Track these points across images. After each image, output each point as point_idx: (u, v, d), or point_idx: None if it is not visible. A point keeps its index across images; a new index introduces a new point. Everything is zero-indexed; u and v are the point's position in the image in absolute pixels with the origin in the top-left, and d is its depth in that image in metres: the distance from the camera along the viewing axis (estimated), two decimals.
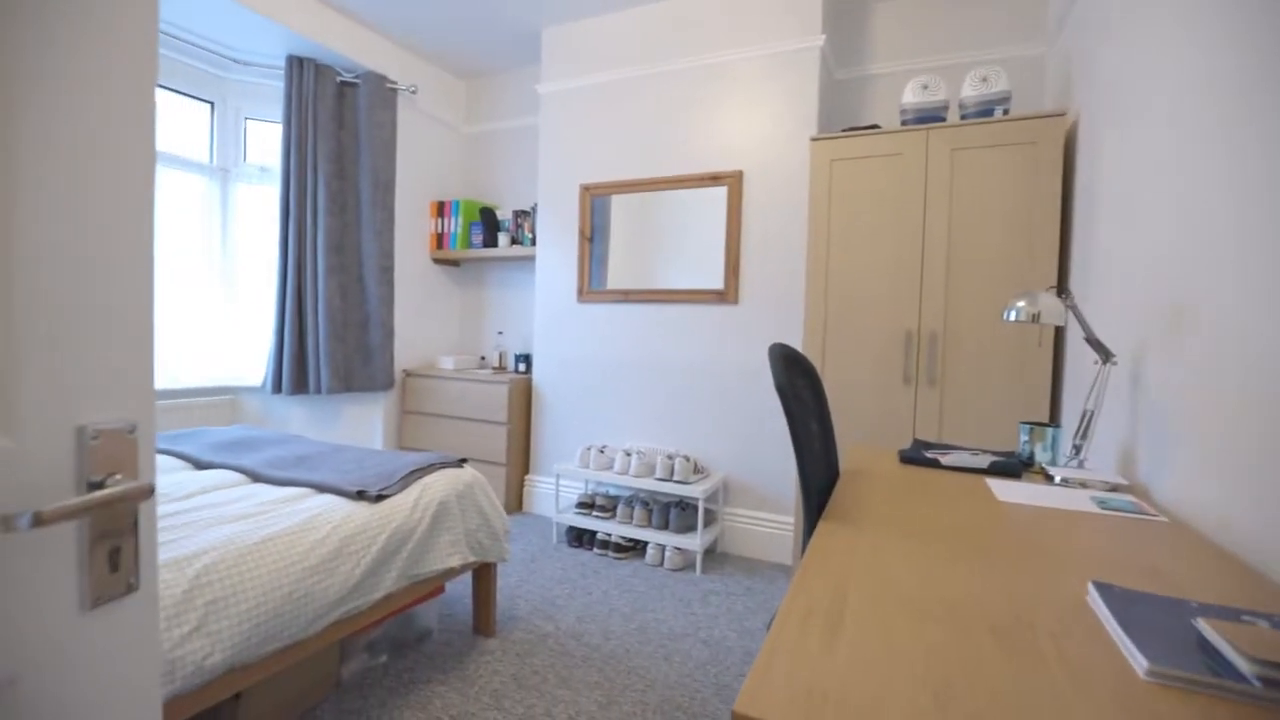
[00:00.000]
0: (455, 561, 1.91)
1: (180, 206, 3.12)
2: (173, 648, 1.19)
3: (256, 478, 1.89)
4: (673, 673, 1.94)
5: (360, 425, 3.60)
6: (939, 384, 2.36)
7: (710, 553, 2.96)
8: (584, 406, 3.32)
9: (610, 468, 2.98)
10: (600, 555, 2.87)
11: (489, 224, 3.69)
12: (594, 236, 3.27)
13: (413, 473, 1.92)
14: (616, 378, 3.23)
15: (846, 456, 1.65)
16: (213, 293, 3.26)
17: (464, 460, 2.13)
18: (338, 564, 1.54)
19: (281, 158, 3.19)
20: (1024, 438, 1.58)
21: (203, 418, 3.09)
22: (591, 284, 3.28)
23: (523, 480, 3.50)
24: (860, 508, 1.17)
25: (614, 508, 2.98)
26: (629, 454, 2.94)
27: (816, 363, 2.54)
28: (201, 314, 3.22)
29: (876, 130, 2.47)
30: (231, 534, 1.42)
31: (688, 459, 2.82)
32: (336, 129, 3.32)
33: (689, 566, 2.78)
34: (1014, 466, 1.47)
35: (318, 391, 3.29)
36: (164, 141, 3.05)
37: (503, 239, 3.64)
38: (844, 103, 3.06)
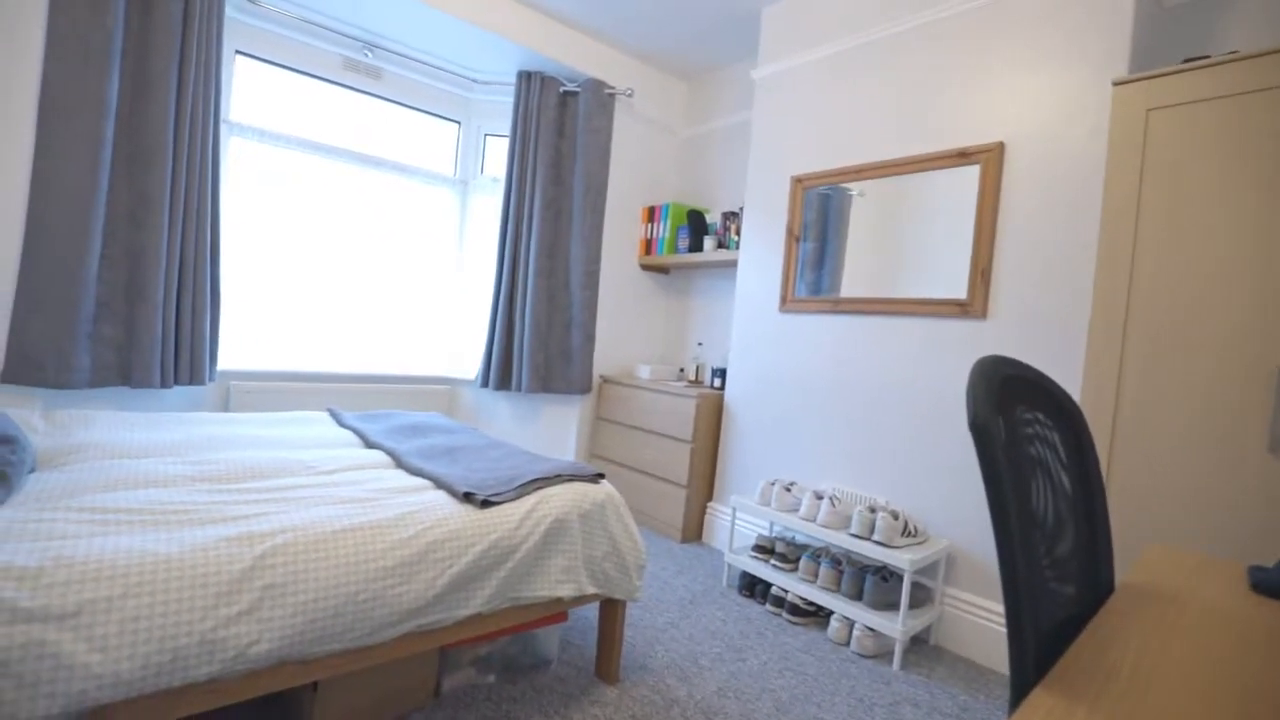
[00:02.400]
0: (567, 591, 1.66)
1: (428, 216, 3.50)
2: (215, 627, 1.13)
3: (399, 463, 1.89)
4: None
5: (556, 427, 3.64)
6: None
7: (918, 643, 2.25)
8: (775, 432, 2.84)
9: (795, 510, 2.47)
10: (772, 614, 2.38)
11: (696, 227, 3.46)
12: (804, 236, 2.80)
13: (534, 481, 1.73)
14: (816, 403, 2.69)
15: (1134, 564, 0.98)
16: (448, 293, 3.60)
17: (600, 475, 1.88)
18: (418, 570, 1.39)
19: (506, 167, 3.38)
20: None
21: (422, 404, 3.40)
22: (796, 291, 2.81)
23: (705, 507, 3.15)
24: (1142, 672, 0.60)
25: (797, 559, 2.45)
26: (820, 497, 2.39)
27: (1103, 411, 1.72)
28: (436, 312, 3.56)
29: (1233, 57, 1.59)
30: (319, 518, 1.36)
31: (895, 515, 2.17)
32: (556, 138, 3.42)
33: (883, 655, 2.13)
34: None
35: (518, 389, 3.40)
36: (417, 158, 3.46)
37: (708, 243, 3.37)
38: (1174, 39, 2.11)
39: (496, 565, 1.52)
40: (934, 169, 2.37)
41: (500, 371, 3.41)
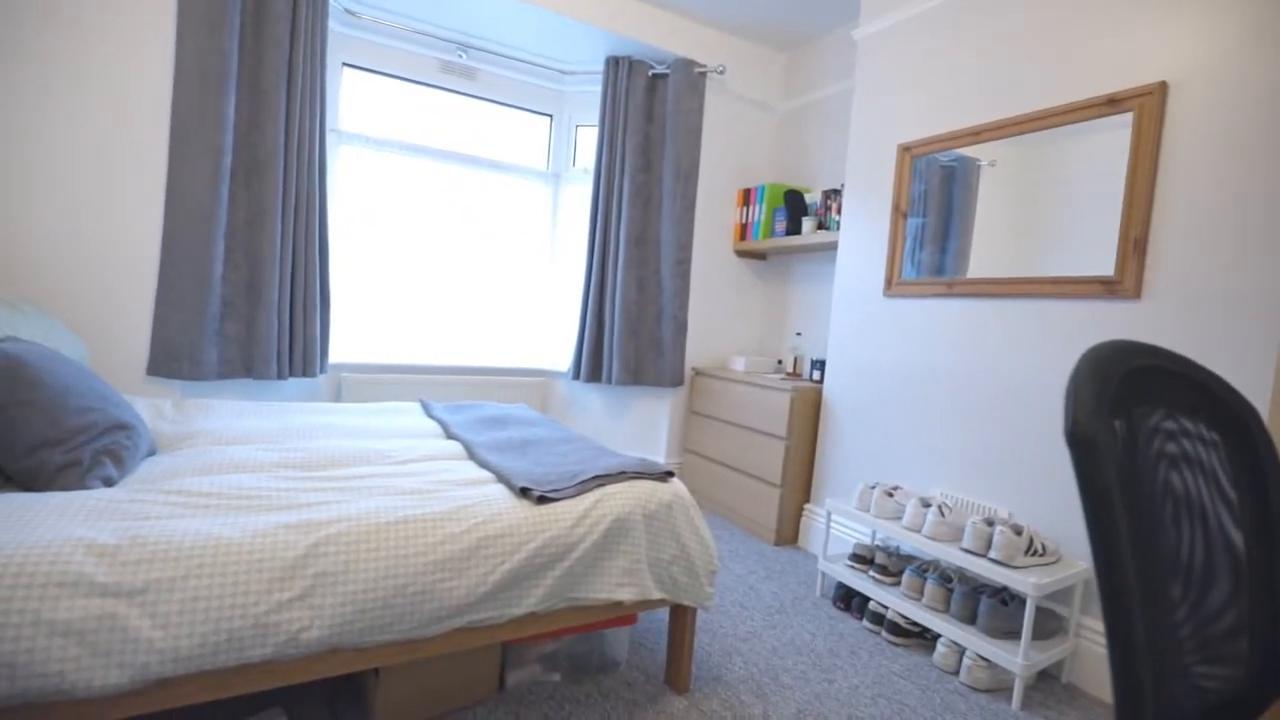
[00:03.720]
0: (628, 595, 1.57)
1: (522, 210, 3.55)
2: (268, 611, 1.16)
3: (471, 455, 1.90)
4: None
5: (647, 420, 3.57)
6: None
7: (1047, 680, 1.92)
8: (878, 429, 2.58)
9: (898, 518, 2.21)
10: (870, 631, 2.15)
11: (793, 208, 3.23)
12: (913, 211, 2.50)
13: (596, 478, 1.66)
14: (925, 398, 2.40)
15: None
16: (543, 286, 3.64)
17: (669, 473, 1.78)
18: (468, 565, 1.36)
19: (595, 157, 3.34)
20: None
21: (518, 396, 3.46)
22: (904, 272, 2.52)
23: (801, 508, 2.94)
24: None
25: (900, 572, 2.20)
26: (927, 505, 2.12)
27: None
28: (532, 305, 3.62)
29: None
30: (374, 508, 1.37)
31: (1018, 531, 1.87)
32: (645, 122, 3.33)
33: (1000, 690, 1.84)
34: None
35: (608, 382, 3.37)
36: (512, 154, 3.52)
37: (807, 224, 3.13)
38: None
39: (551, 565, 1.47)
40: (1077, 121, 2.00)
41: (591, 363, 3.40)
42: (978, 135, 2.26)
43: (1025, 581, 1.76)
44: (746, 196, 3.53)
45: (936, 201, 2.42)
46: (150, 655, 1.07)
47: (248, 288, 2.52)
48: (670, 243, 3.36)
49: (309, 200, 2.63)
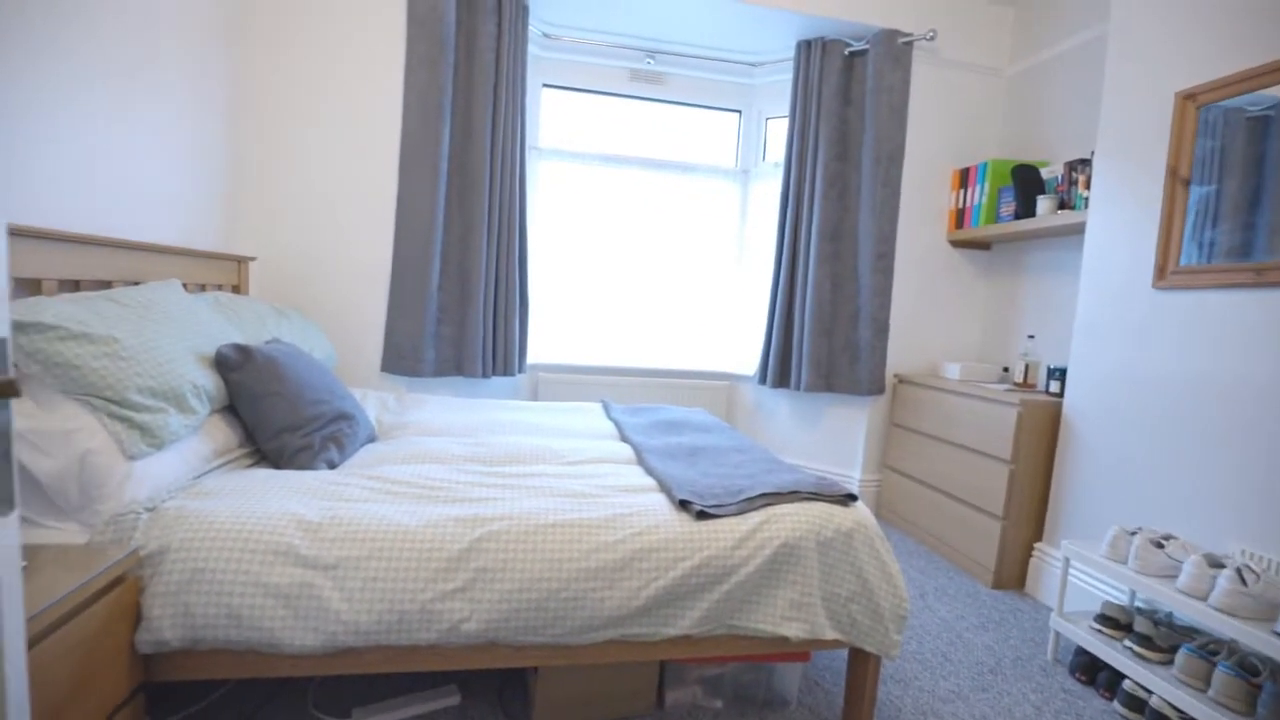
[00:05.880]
0: (795, 631, 1.40)
1: (710, 210, 3.49)
2: (434, 599, 1.23)
3: (640, 460, 1.87)
4: None
5: (841, 431, 3.26)
6: None
7: None
8: (1141, 458, 2.01)
9: (1170, 578, 1.69)
10: (1121, 719, 1.67)
11: (1025, 186, 2.70)
12: (1197, 177, 1.91)
13: (765, 495, 1.51)
14: (1212, 420, 1.81)
15: None
16: (728, 287, 3.54)
17: (852, 496, 1.55)
18: (622, 577, 1.31)
19: (785, 149, 3.15)
20: None
21: (703, 399, 3.40)
22: (1185, 257, 1.94)
23: (1029, 547, 2.43)
24: None
25: (1171, 649, 1.68)
26: (1218, 565, 1.59)
27: None
28: (716, 306, 3.54)
29: None
30: (535, 509, 1.39)
31: None
32: (841, 106, 3.05)
33: None
34: None
35: (798, 388, 3.15)
36: (700, 154, 3.48)
37: (1043, 205, 2.59)
38: None
39: (708, 587, 1.36)
40: None
41: (778, 368, 3.20)
42: None
43: None
44: (964, 177, 3.05)
45: (1238, 163, 1.82)
46: (337, 625, 1.19)
47: (459, 295, 2.81)
48: (869, 235, 3.03)
49: (511, 214, 2.85)
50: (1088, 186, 2.38)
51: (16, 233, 1.38)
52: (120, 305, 1.42)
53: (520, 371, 3.01)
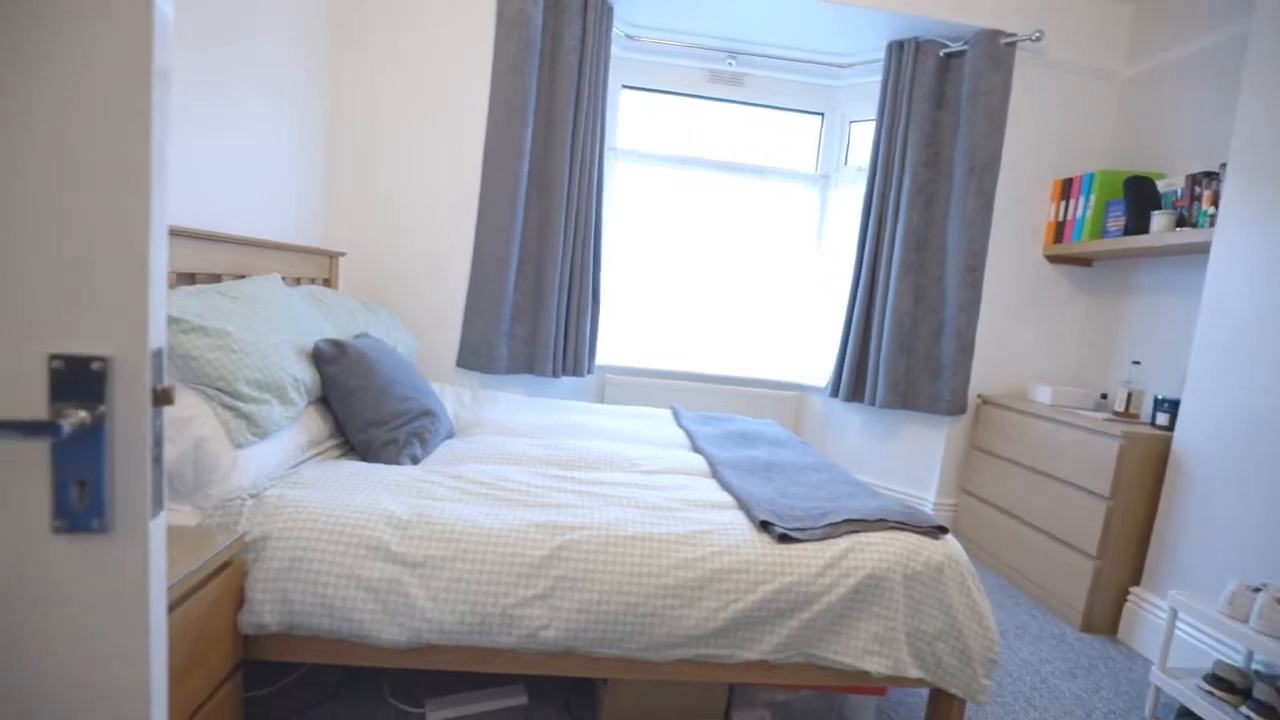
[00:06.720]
0: (877, 666, 1.34)
1: (787, 215, 3.41)
2: (515, 605, 1.24)
3: (714, 473, 1.83)
4: None
5: (917, 451, 3.13)
6: None
7: None
8: (1264, 508, 1.83)
9: None
10: None
11: (1137, 200, 2.50)
12: None
13: (850, 521, 1.45)
14: None
15: None
16: (802, 295, 3.45)
17: (943, 528, 1.48)
18: (700, 596, 1.29)
19: (871, 153, 3.04)
20: None
21: (770, 409, 3.33)
22: None
23: (1124, 591, 2.26)
24: None
25: None
26: None
27: None
28: (789, 314, 3.46)
29: None
30: (614, 520, 1.38)
31: None
32: (932, 110, 2.92)
33: None
34: None
35: (872, 403, 3.04)
36: (778, 158, 3.40)
37: (1157, 221, 2.39)
38: None
39: (788, 613, 1.32)
40: None
41: (852, 381, 3.10)
42: None
43: None
44: (1066, 188, 2.86)
45: None
46: (423, 623, 1.21)
47: (534, 294, 2.84)
48: (958, 247, 2.89)
49: (587, 215, 2.86)
50: (1214, 203, 2.18)
51: None
52: (230, 299, 1.50)
53: (589, 372, 3.02)
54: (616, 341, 3.29)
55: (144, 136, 0.53)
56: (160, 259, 0.56)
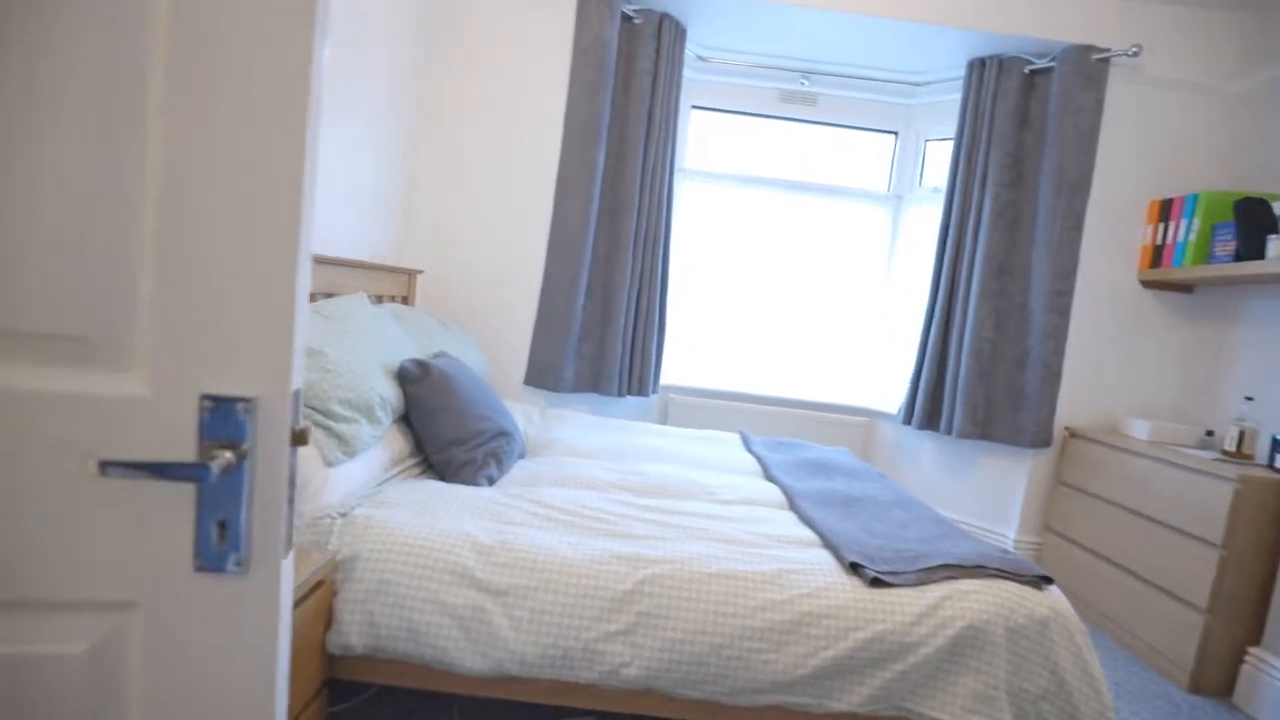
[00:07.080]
0: None
1: (858, 235, 3.32)
2: (597, 639, 1.21)
3: (792, 504, 1.77)
4: None
5: (995, 485, 2.97)
6: None
7: None
8: None
9: None
10: None
11: (1250, 223, 2.32)
12: None
13: (946, 566, 1.36)
14: None
15: None
16: (874, 318, 3.35)
17: (1048, 578, 1.38)
18: (788, 641, 1.23)
19: (949, 173, 2.93)
20: None
21: (838, 435, 3.22)
22: None
23: (1241, 650, 2.06)
24: None
25: None
26: None
27: None
28: (860, 338, 3.36)
29: None
30: (697, 554, 1.35)
31: None
32: (1016, 129, 2.79)
33: None
34: None
35: (948, 433, 2.90)
36: (850, 177, 3.32)
37: (1274, 245, 2.21)
38: None
39: (881, 663, 1.24)
40: None
41: (927, 408, 2.97)
42: None
43: None
44: (1165, 210, 2.68)
45: None
46: (505, 654, 1.20)
47: (601, 314, 2.85)
48: (1044, 271, 2.74)
49: (655, 235, 2.85)
50: None
51: None
52: (325, 319, 1.54)
53: (654, 392, 3.00)
54: (681, 361, 3.27)
55: (296, 180, 0.54)
56: (304, 300, 0.57)
